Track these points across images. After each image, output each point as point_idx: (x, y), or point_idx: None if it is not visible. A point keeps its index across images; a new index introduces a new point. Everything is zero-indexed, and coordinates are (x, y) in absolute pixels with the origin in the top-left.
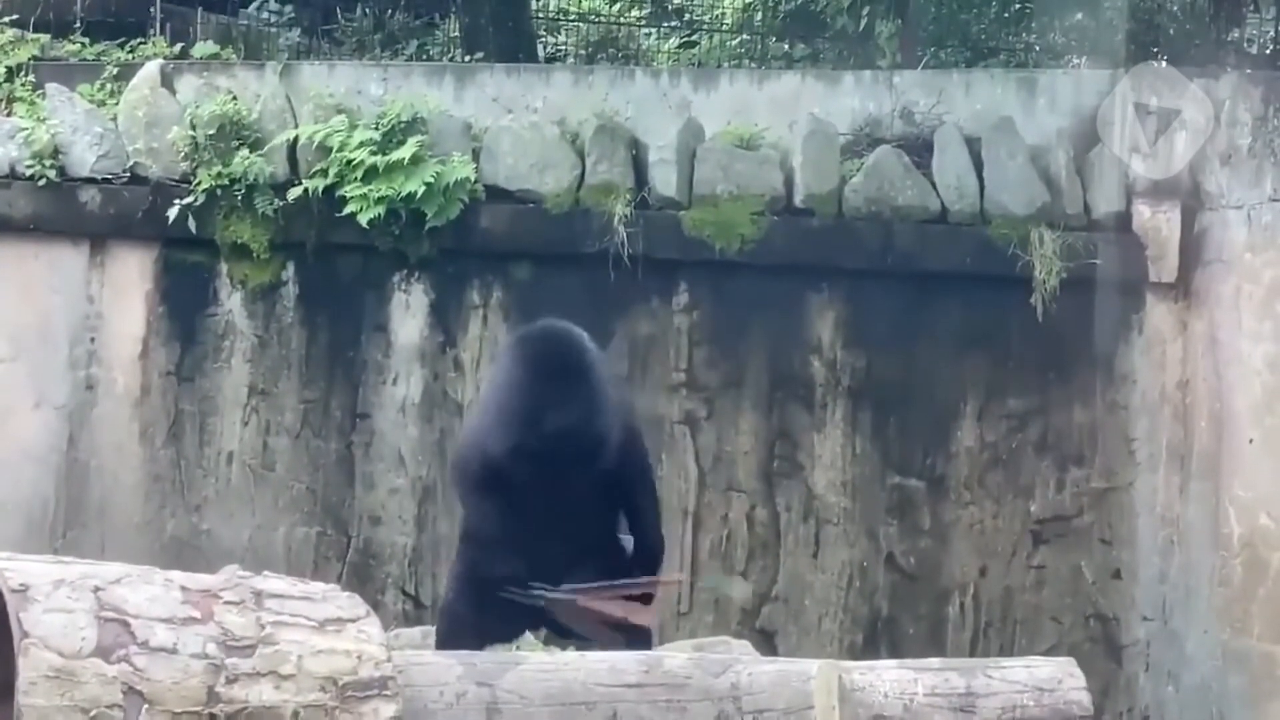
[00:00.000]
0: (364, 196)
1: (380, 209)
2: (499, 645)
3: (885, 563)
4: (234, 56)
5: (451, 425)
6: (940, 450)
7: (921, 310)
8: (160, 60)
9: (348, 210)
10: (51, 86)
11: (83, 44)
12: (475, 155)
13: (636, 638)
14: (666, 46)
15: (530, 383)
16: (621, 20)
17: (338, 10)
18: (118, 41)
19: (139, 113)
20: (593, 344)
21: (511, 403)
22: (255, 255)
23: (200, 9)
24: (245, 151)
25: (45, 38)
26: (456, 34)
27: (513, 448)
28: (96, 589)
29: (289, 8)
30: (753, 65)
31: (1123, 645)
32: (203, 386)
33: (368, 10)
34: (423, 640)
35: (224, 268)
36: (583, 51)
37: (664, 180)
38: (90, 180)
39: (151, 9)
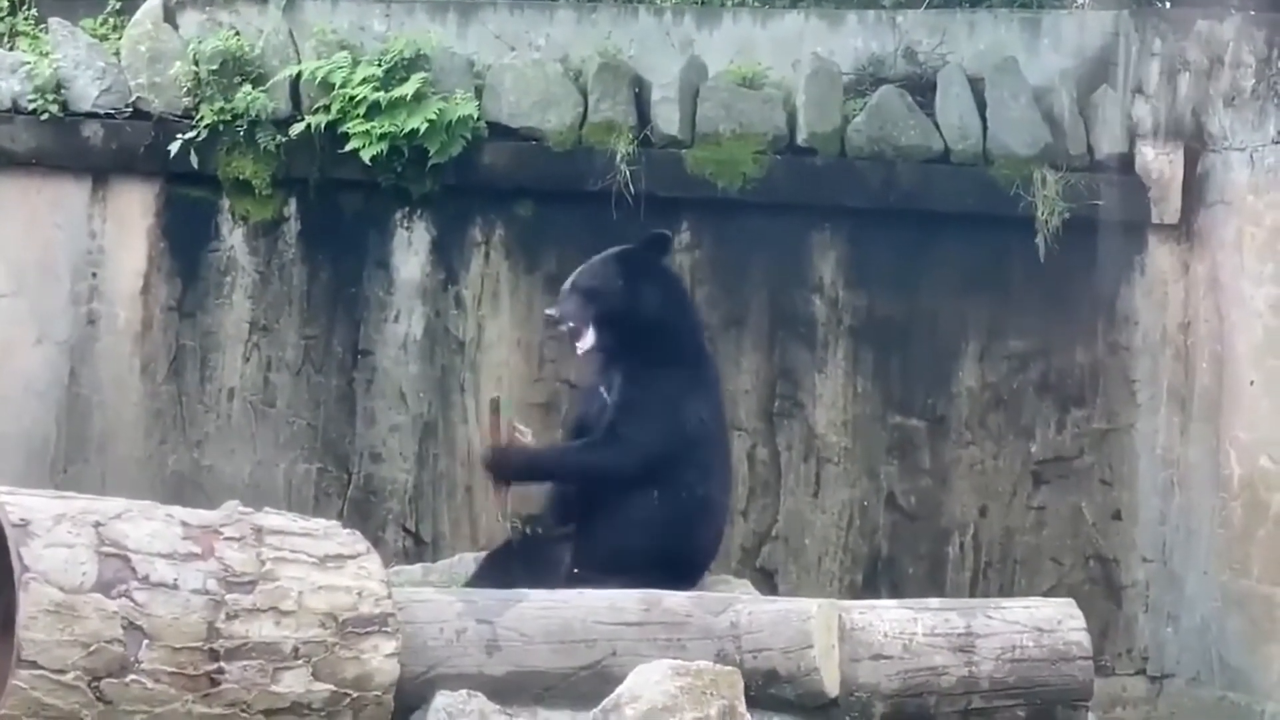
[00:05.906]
0: (366, 133)
1: (383, 146)
2: None
3: (885, 502)
4: None
5: (453, 362)
6: (941, 390)
7: (923, 250)
8: None
9: (350, 147)
10: (54, 21)
11: None
12: (478, 92)
13: None
14: None
15: None
16: None
17: None
18: None
19: (141, 48)
20: None
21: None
22: (257, 191)
23: None
24: (248, 87)
25: None
26: None
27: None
28: (97, 524)
29: None
30: (756, 4)
31: (1122, 586)
32: (204, 322)
33: None
34: (423, 577)
35: (226, 203)
36: None
37: (666, 119)
38: (93, 115)
39: None
